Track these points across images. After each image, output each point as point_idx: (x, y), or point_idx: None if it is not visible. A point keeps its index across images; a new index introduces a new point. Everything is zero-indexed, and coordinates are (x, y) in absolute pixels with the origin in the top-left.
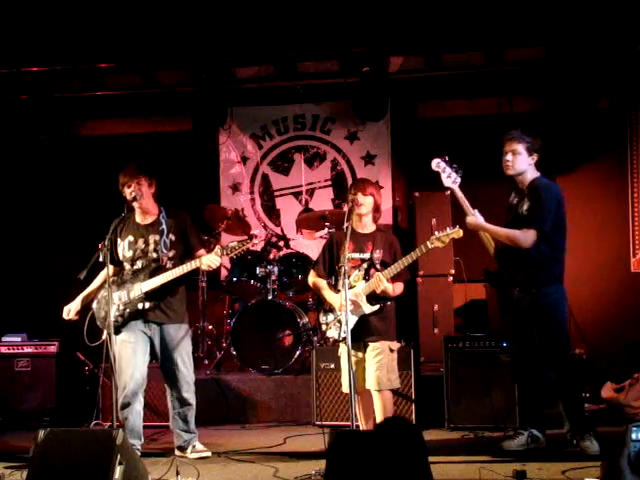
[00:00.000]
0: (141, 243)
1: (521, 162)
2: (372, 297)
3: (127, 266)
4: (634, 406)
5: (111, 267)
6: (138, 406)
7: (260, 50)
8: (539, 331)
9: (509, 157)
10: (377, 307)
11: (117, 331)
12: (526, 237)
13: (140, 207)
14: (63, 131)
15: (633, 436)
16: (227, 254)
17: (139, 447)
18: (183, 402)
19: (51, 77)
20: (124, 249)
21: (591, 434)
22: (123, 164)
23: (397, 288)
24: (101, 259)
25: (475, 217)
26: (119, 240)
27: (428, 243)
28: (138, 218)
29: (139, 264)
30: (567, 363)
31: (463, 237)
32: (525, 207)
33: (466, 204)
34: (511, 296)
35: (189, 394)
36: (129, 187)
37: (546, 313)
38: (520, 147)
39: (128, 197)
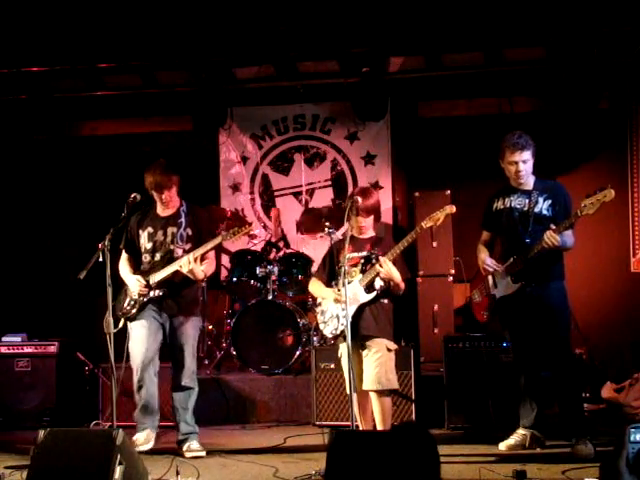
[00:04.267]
0: (160, 235)
1: (530, 168)
2: (370, 288)
3: (147, 257)
4: (634, 406)
5: (126, 255)
6: (152, 387)
7: (260, 50)
8: (544, 327)
9: (521, 167)
10: (374, 294)
11: (132, 318)
12: (574, 240)
13: (163, 202)
14: (63, 131)
15: (632, 438)
16: (229, 239)
17: (156, 422)
18: (183, 388)
19: (51, 77)
20: (145, 240)
21: (588, 438)
22: (123, 164)
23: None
24: (101, 259)
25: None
26: (140, 231)
27: (422, 224)
28: (159, 209)
29: (158, 256)
30: (568, 361)
31: (463, 237)
32: (542, 206)
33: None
34: (518, 294)
35: (189, 379)
36: (161, 193)
37: (554, 307)
38: (529, 154)
39: (158, 201)
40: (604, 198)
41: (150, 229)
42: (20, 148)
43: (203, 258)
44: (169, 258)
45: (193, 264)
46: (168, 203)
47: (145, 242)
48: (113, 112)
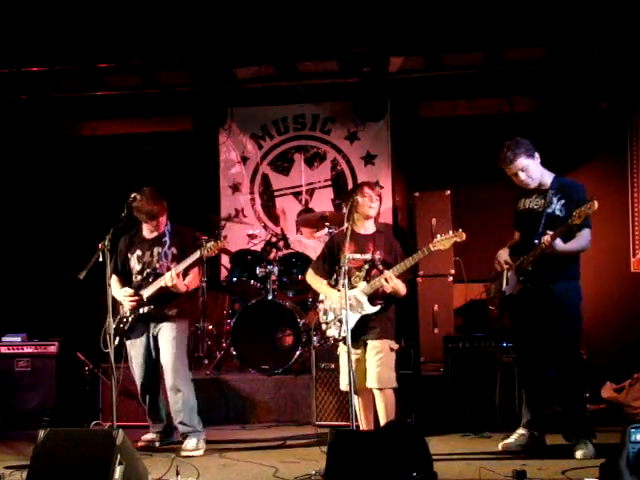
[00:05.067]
0: (148, 256)
1: (534, 171)
2: (374, 297)
3: (138, 278)
4: (634, 406)
5: (115, 277)
6: (155, 395)
7: (260, 50)
8: (551, 326)
9: (522, 175)
10: (378, 307)
11: (127, 337)
12: (589, 240)
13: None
14: (63, 131)
15: (632, 438)
16: (207, 253)
17: (164, 419)
18: (174, 390)
19: (51, 77)
20: (135, 263)
21: (590, 439)
22: (123, 164)
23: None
24: (101, 259)
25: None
26: (129, 255)
27: (430, 246)
28: (145, 232)
29: (145, 275)
30: (575, 362)
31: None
32: (555, 207)
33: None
34: (527, 292)
35: (179, 381)
36: (153, 221)
37: (564, 307)
38: (523, 161)
39: (147, 227)
40: (588, 210)
41: (139, 252)
42: (20, 148)
43: (186, 273)
44: (155, 275)
45: (176, 279)
46: (158, 228)
47: (135, 264)
48: (113, 112)
